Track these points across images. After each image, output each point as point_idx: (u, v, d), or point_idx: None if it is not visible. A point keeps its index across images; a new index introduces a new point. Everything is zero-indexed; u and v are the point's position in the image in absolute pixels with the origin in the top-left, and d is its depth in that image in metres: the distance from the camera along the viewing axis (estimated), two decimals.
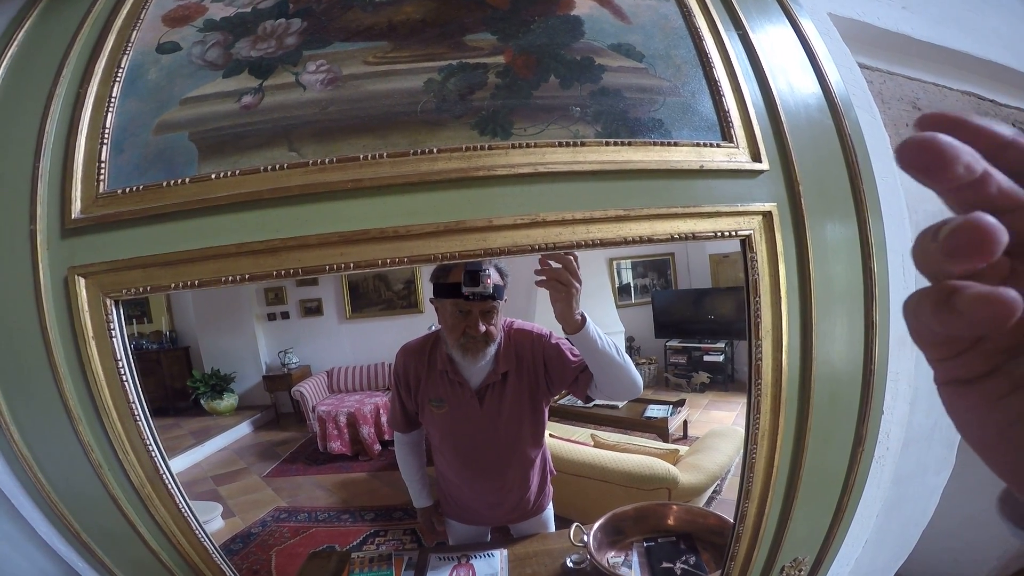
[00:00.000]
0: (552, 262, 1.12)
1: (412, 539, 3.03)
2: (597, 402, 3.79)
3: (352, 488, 3.86)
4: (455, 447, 1.47)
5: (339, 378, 5.33)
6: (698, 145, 0.74)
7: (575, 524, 1.38)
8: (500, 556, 1.45)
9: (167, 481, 0.79)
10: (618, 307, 5.24)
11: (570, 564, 1.38)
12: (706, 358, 4.85)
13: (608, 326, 4.97)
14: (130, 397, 0.74)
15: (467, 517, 1.59)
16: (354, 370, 5.35)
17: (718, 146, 0.75)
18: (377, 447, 4.38)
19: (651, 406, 3.68)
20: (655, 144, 0.73)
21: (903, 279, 0.84)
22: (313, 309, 5.51)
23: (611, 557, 1.36)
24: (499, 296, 1.19)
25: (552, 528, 1.65)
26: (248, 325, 5.44)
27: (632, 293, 5.44)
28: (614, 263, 5.40)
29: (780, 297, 0.76)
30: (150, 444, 0.77)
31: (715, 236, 0.75)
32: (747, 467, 0.87)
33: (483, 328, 1.23)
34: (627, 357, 1.24)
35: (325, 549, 1.58)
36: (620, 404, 3.75)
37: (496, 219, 0.70)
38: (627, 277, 5.46)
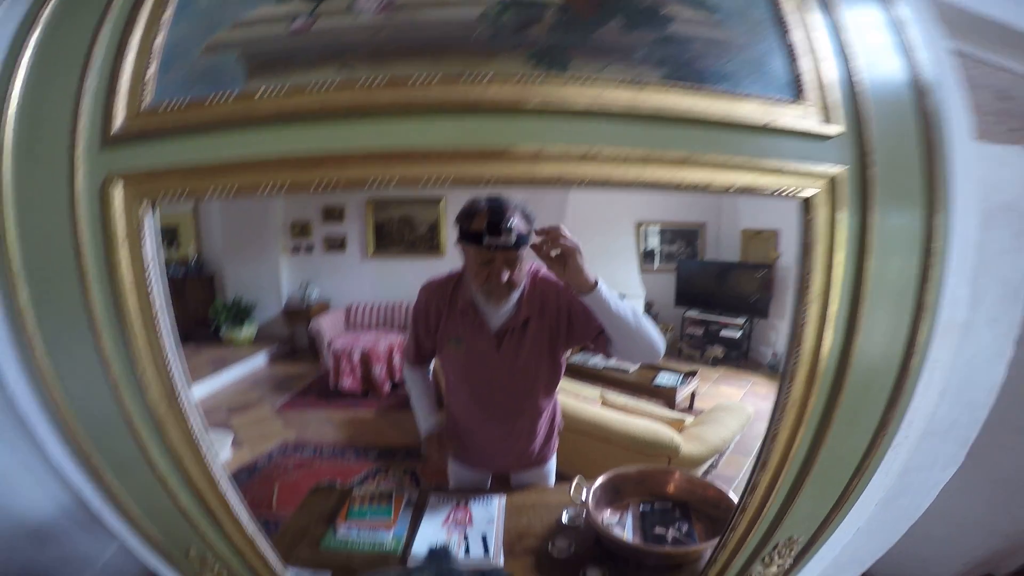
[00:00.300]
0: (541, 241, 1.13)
1: (412, 479, 3.13)
2: (610, 364, 3.84)
3: (359, 426, 3.99)
4: (469, 388, 1.48)
5: (357, 315, 5.42)
6: (768, 101, 0.70)
7: (578, 476, 1.40)
8: (498, 503, 1.48)
9: (182, 402, 0.80)
10: (641, 271, 5.21)
11: (565, 519, 1.40)
12: (723, 332, 4.83)
13: (629, 289, 4.97)
14: (154, 307, 0.74)
15: (471, 460, 1.61)
16: (372, 308, 5.44)
17: (790, 104, 0.71)
18: (387, 387, 4.49)
19: (662, 373, 3.70)
20: (723, 94, 0.70)
21: (963, 265, 0.80)
22: (337, 245, 5.55)
23: (607, 516, 1.38)
24: (523, 245, 1.17)
25: (552, 482, 1.67)
26: (273, 256, 5.49)
27: (656, 259, 5.40)
28: (642, 227, 5.35)
29: (833, 264, 0.74)
30: (169, 361, 0.77)
31: (775, 194, 0.71)
32: (769, 437, 0.86)
33: (505, 277, 1.21)
34: (646, 321, 1.22)
35: (327, 485, 1.62)
36: (631, 368, 3.77)
37: (547, 149, 0.68)
38: (653, 243, 5.41)
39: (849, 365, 0.79)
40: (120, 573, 2.01)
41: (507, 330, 1.33)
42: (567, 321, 1.31)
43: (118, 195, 0.70)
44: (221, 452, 0.90)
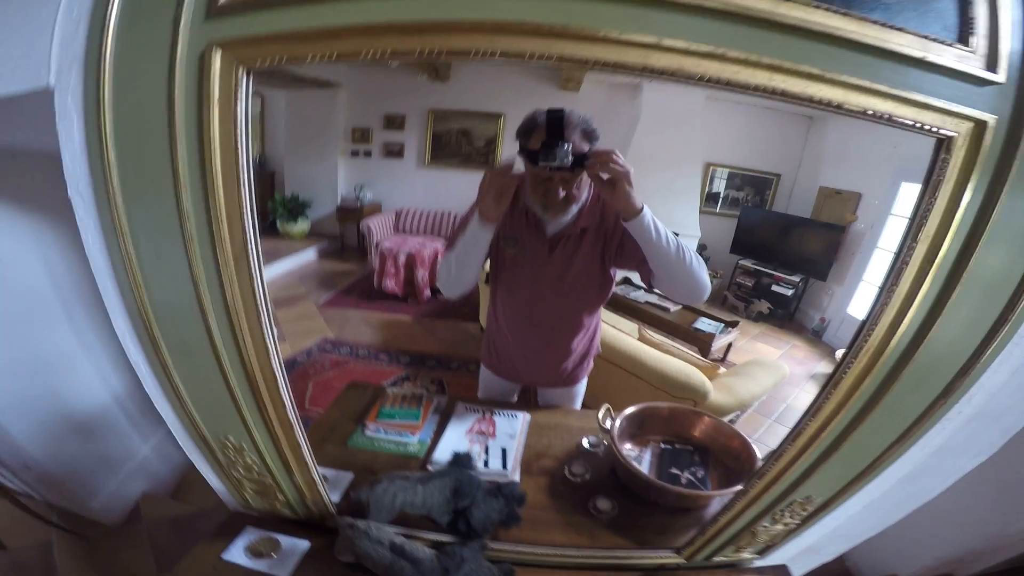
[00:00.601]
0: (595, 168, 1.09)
1: (438, 388, 3.24)
2: (651, 299, 3.79)
3: (395, 329, 4.07)
4: (516, 291, 1.45)
5: (406, 219, 5.55)
6: (927, 38, 0.64)
7: (605, 405, 1.39)
8: (522, 419, 1.50)
9: (252, 258, 0.81)
10: (701, 212, 5.06)
11: (586, 445, 1.43)
12: (774, 287, 4.70)
13: (686, 228, 4.87)
14: (240, 162, 0.75)
15: (504, 369, 1.63)
16: (422, 214, 5.55)
17: (951, 45, 0.64)
18: (427, 293, 4.59)
19: (702, 319, 3.64)
20: (876, 23, 0.64)
21: None
22: (395, 152, 5.71)
23: (627, 449, 1.38)
24: (581, 165, 1.12)
25: (579, 404, 1.69)
26: (332, 158, 5.74)
27: (719, 203, 5.24)
28: (711, 169, 5.17)
29: (957, 207, 0.69)
30: (246, 215, 0.78)
31: (913, 126, 0.66)
32: (831, 382, 0.83)
33: (562, 195, 1.19)
34: (694, 261, 1.18)
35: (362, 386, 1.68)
36: (672, 308, 3.72)
37: (667, 40, 0.64)
38: (719, 186, 5.24)
39: (938, 316, 0.75)
40: (154, 474, 2.14)
41: (563, 237, 1.31)
42: (621, 237, 1.27)
43: (217, 60, 0.70)
44: None
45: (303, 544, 1.09)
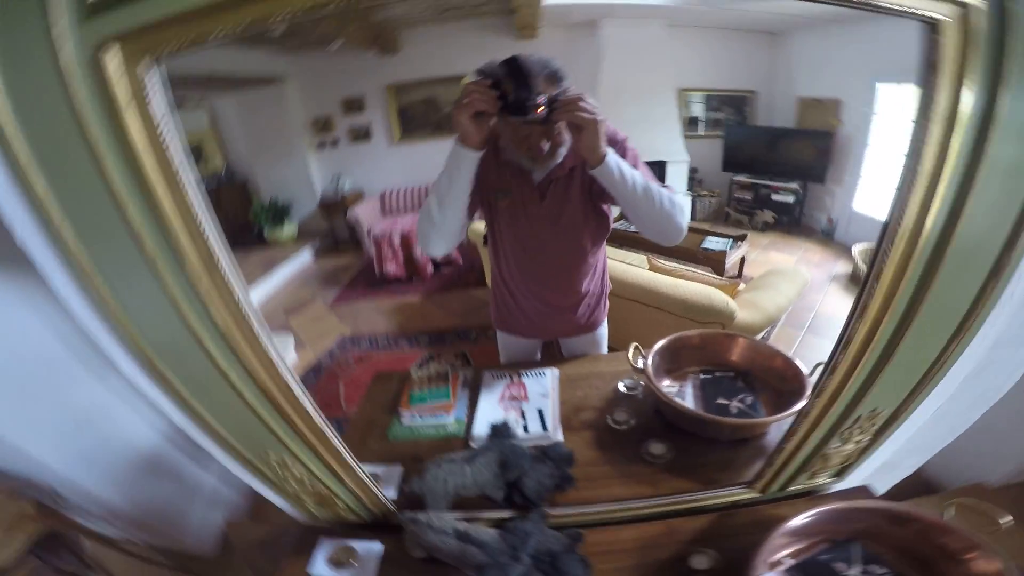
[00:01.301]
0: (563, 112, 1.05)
1: (463, 360, 3.19)
2: None
3: (407, 312, 4.07)
4: (514, 242, 1.41)
5: (391, 200, 5.45)
6: None
7: (634, 344, 1.34)
8: (551, 376, 1.46)
9: (222, 266, 0.74)
10: (685, 137, 4.99)
11: (623, 389, 1.38)
12: (774, 197, 4.64)
13: (673, 155, 4.83)
14: (173, 163, 0.66)
15: (520, 328, 1.59)
16: (405, 192, 5.46)
17: None
18: (430, 269, 4.55)
19: (709, 238, 3.57)
20: None
21: None
22: (362, 135, 5.50)
23: (666, 386, 1.33)
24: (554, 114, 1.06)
25: (604, 348, 1.64)
26: (299, 154, 5.56)
27: (700, 125, 5.17)
28: (685, 94, 5.06)
29: (962, 82, 0.62)
30: (200, 220, 0.70)
31: (899, 11, 0.60)
32: (872, 275, 0.76)
33: (546, 147, 1.14)
34: (667, 204, 1.15)
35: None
36: None
37: None
38: (697, 110, 5.15)
39: (970, 189, 0.68)
40: (227, 500, 2.16)
41: (551, 180, 1.27)
42: None
43: (113, 60, 0.61)
44: (286, 356, 0.88)
45: (377, 546, 1.08)
